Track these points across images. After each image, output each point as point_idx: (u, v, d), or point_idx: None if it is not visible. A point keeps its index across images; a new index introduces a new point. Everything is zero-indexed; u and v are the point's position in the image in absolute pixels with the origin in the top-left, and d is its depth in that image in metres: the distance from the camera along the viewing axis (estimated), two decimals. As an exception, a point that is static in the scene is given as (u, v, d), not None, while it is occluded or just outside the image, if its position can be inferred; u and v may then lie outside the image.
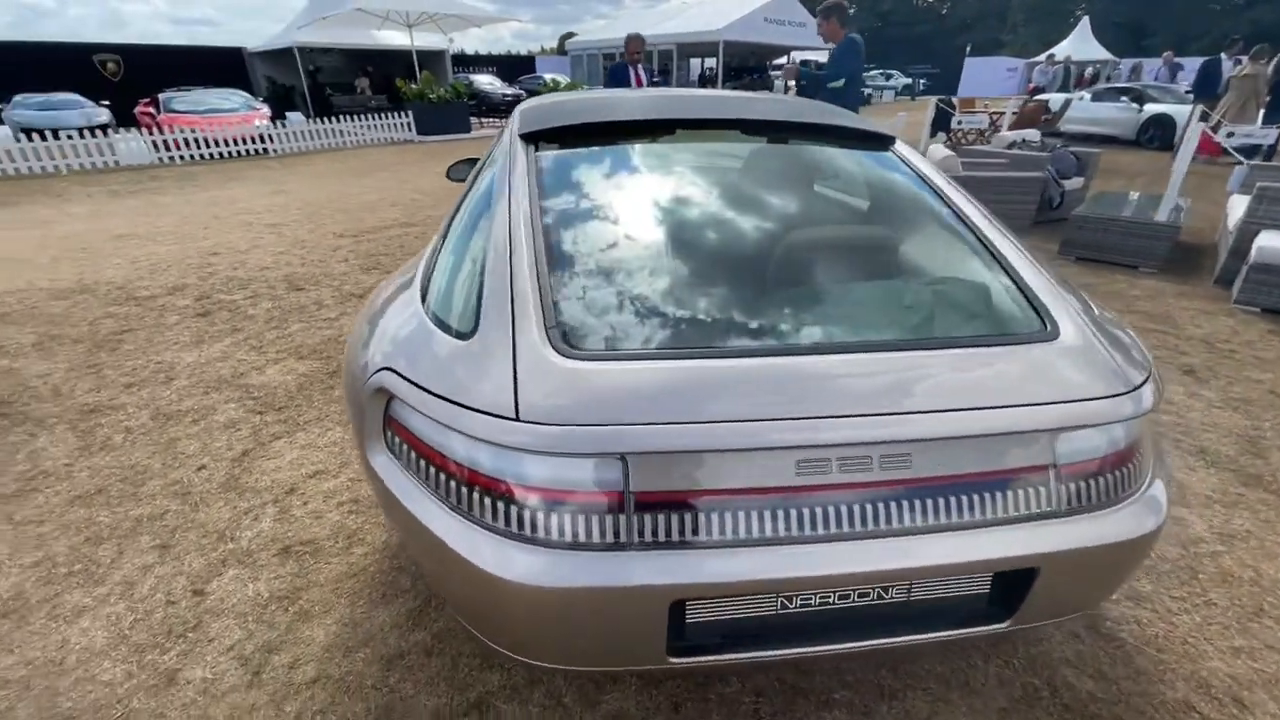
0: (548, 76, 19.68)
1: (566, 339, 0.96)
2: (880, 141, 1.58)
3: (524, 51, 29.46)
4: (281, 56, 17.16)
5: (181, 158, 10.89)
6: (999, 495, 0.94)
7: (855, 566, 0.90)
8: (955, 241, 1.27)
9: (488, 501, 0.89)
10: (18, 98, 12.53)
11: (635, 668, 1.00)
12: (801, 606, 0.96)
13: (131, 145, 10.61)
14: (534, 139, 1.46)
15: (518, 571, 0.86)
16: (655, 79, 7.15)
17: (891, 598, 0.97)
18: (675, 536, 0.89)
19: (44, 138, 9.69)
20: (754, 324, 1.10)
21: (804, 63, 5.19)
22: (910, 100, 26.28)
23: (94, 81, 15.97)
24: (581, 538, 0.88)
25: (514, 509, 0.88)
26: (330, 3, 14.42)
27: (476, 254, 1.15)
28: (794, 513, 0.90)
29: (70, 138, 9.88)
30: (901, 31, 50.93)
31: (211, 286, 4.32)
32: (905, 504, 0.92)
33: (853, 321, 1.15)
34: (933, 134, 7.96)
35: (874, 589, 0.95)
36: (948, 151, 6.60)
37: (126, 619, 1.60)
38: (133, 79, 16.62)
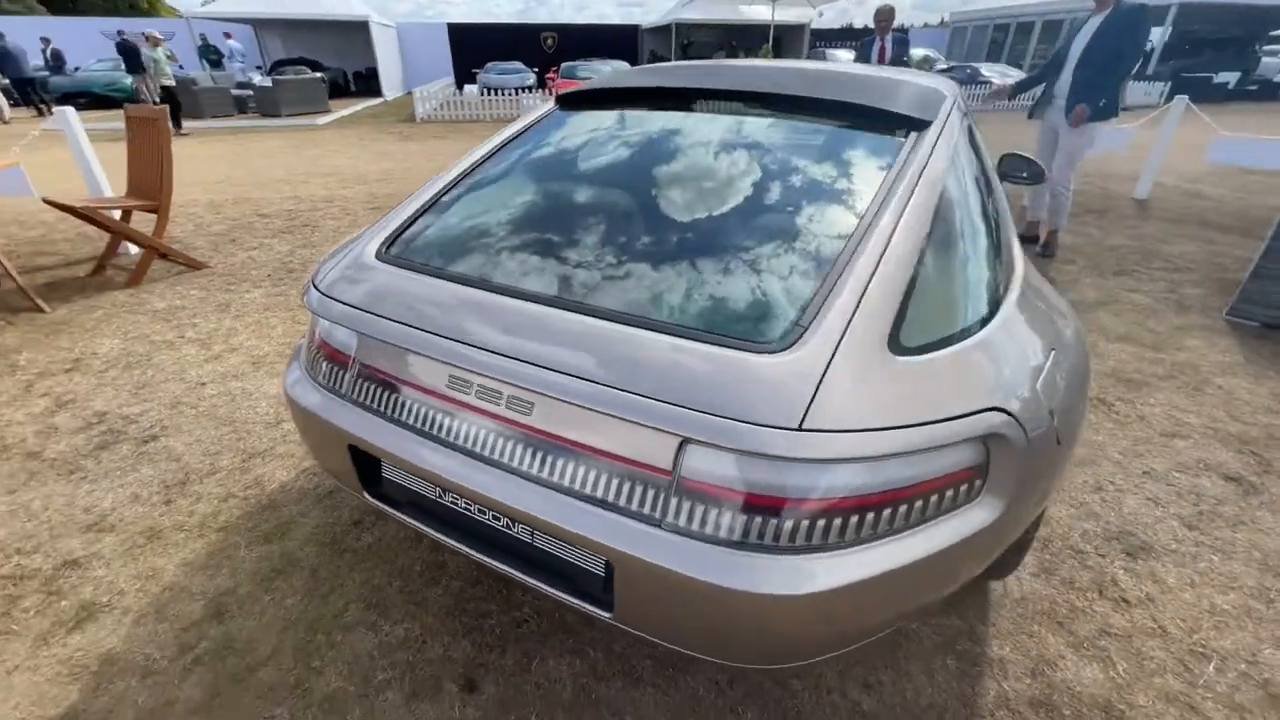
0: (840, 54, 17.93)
1: (388, 250, 1.29)
2: (910, 125, 1.34)
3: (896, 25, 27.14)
4: (663, 32, 19.75)
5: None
6: (604, 476, 0.93)
7: (463, 480, 1.01)
8: (824, 243, 1.09)
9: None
10: (489, 64, 17.51)
11: (349, 489, 1.29)
12: (450, 503, 1.12)
13: (535, 101, 13.93)
14: (567, 102, 1.74)
15: (289, 384, 1.31)
16: (904, 60, 6.44)
17: (515, 533, 1.06)
18: (363, 398, 1.18)
19: (497, 94, 13.50)
20: (535, 271, 1.16)
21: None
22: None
23: (537, 53, 21.19)
24: (322, 379, 1.25)
25: (312, 358, 1.29)
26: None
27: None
28: (436, 415, 1.08)
29: (509, 94, 13.53)
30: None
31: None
32: (519, 446, 0.99)
33: (614, 288, 1.09)
34: None
35: (496, 516, 1.05)
36: None
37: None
38: (561, 51, 21.47)
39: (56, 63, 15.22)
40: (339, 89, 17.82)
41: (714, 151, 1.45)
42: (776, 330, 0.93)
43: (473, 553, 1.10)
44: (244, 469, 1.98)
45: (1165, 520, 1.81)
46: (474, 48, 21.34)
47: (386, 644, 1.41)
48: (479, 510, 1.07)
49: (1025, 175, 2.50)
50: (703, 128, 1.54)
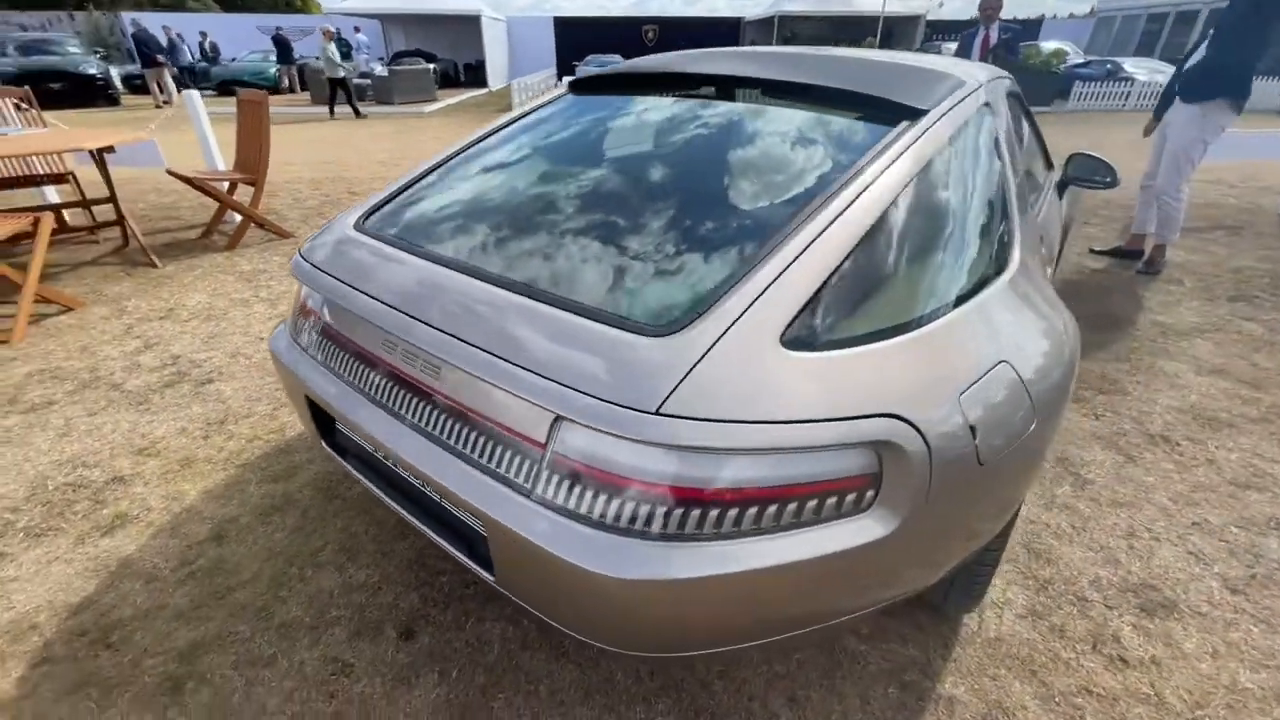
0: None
1: (365, 221, 1.37)
2: (900, 114, 1.25)
3: (1030, 15, 24.83)
4: (765, 24, 19.24)
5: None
6: (489, 444, 0.96)
7: (385, 438, 1.06)
8: (758, 233, 1.05)
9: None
10: (589, 57, 17.93)
11: (311, 434, 1.40)
12: (382, 459, 1.18)
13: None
14: (580, 86, 1.76)
15: (272, 338, 1.44)
16: (1005, 35, 5.79)
17: (427, 491, 1.10)
18: (318, 355, 1.28)
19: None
20: (475, 244, 1.21)
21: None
22: None
23: (638, 46, 21.43)
24: (294, 335, 1.37)
25: (294, 317, 1.41)
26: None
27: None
28: (369, 374, 1.15)
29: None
30: None
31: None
32: (428, 409, 1.04)
33: (541, 265, 1.10)
34: None
35: (409, 475, 1.10)
36: None
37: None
38: (662, 44, 21.62)
39: (213, 53, 17.34)
40: (449, 79, 18.96)
41: (688, 139, 1.43)
42: (670, 316, 0.91)
43: (398, 508, 1.16)
44: (272, 416, 2.19)
45: (1204, 579, 1.57)
46: (577, 40, 21.93)
47: (347, 585, 1.52)
48: (400, 468, 1.13)
49: (1096, 179, 2.23)
50: (688, 115, 1.52)
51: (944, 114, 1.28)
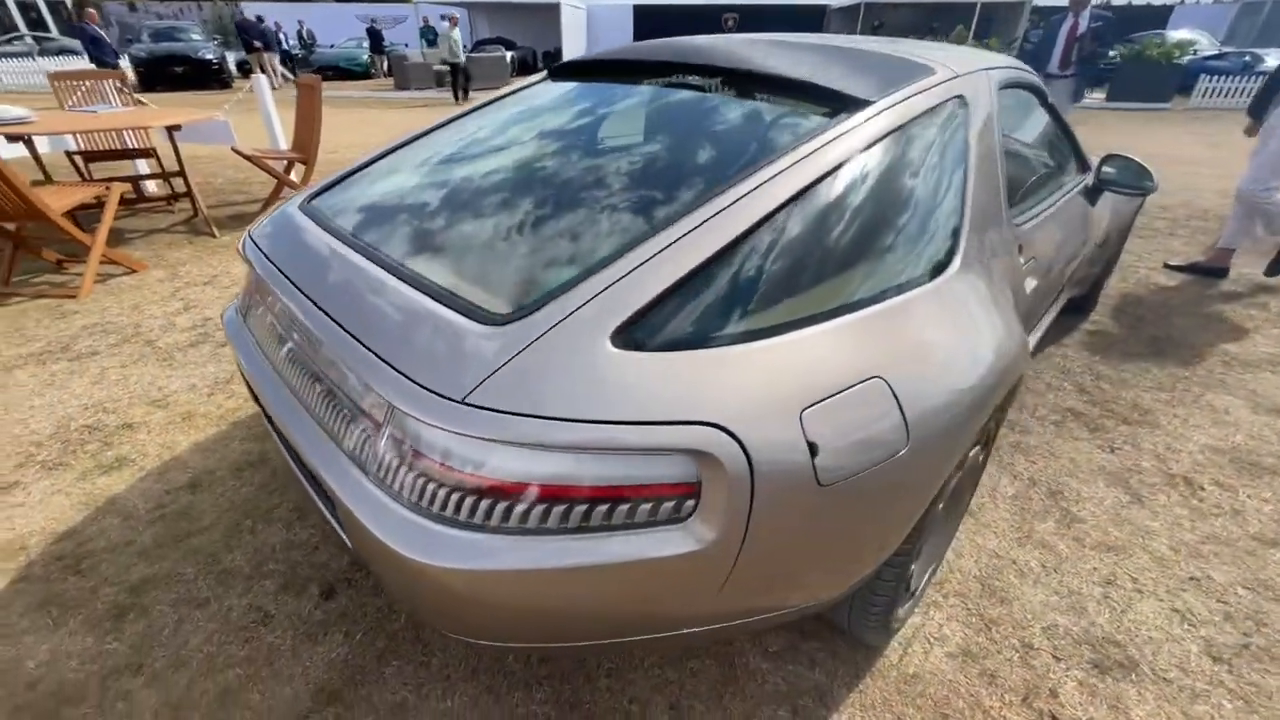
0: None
1: (310, 202, 1.42)
2: (841, 105, 1.19)
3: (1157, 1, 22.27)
4: (851, 12, 18.35)
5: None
6: (344, 420, 0.97)
7: (278, 414, 1.11)
8: (636, 228, 1.03)
9: None
10: (664, 45, 17.81)
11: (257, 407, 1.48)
12: (280, 433, 1.21)
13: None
14: (558, 73, 1.75)
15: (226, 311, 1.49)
16: (1095, 24, 5.22)
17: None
18: (247, 325, 1.36)
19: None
20: (384, 226, 1.24)
21: None
22: None
23: (717, 33, 21.08)
24: (240, 309, 1.44)
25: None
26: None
27: None
28: (277, 351, 1.19)
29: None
30: None
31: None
32: (313, 385, 1.07)
33: (432, 252, 1.12)
34: None
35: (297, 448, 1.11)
36: None
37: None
38: (741, 30, 21.17)
39: (310, 40, 18.60)
40: (527, 67, 19.40)
41: (618, 130, 1.41)
42: (511, 305, 0.90)
43: (301, 478, 1.23)
44: (272, 379, 2.36)
45: (1183, 642, 1.39)
46: (655, 28, 21.81)
47: (289, 542, 1.62)
48: (291, 442, 1.18)
49: (1131, 184, 1.98)
50: (630, 106, 1.50)
51: (890, 106, 1.18)
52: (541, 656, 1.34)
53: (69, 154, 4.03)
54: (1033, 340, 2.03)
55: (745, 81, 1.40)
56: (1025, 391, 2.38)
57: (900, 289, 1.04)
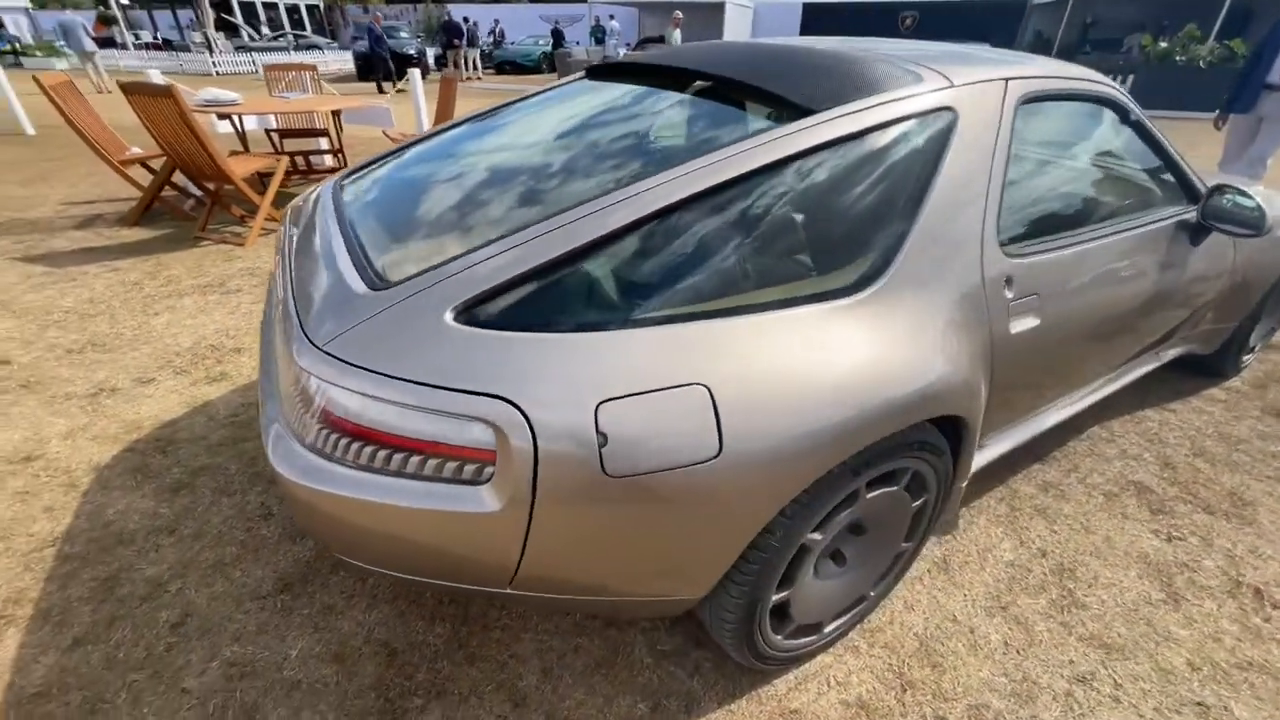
0: None
1: (342, 180, 1.62)
2: (792, 113, 1.16)
3: None
4: (1057, 9, 16.08)
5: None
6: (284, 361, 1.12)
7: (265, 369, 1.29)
8: (532, 220, 1.07)
9: None
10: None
11: None
12: None
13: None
14: (595, 72, 1.84)
15: None
16: None
17: None
18: None
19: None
20: (366, 208, 1.38)
21: None
22: None
23: (893, 34, 19.73)
24: None
25: None
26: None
27: None
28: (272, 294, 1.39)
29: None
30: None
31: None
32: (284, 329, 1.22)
33: (387, 228, 1.23)
34: None
35: None
36: None
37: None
38: (921, 32, 19.59)
39: (501, 38, 20.58)
40: (686, 65, 19.74)
41: (593, 130, 1.50)
42: (397, 275, 1.04)
43: None
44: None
45: (1145, 768, 1.16)
46: (824, 28, 20.95)
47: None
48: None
49: (1237, 223, 1.62)
50: (614, 109, 1.60)
51: (838, 116, 1.14)
52: (450, 597, 1.48)
53: (268, 131, 4.99)
54: (1076, 397, 1.76)
55: (716, 87, 1.41)
56: (1078, 453, 2.04)
57: (781, 304, 1.01)
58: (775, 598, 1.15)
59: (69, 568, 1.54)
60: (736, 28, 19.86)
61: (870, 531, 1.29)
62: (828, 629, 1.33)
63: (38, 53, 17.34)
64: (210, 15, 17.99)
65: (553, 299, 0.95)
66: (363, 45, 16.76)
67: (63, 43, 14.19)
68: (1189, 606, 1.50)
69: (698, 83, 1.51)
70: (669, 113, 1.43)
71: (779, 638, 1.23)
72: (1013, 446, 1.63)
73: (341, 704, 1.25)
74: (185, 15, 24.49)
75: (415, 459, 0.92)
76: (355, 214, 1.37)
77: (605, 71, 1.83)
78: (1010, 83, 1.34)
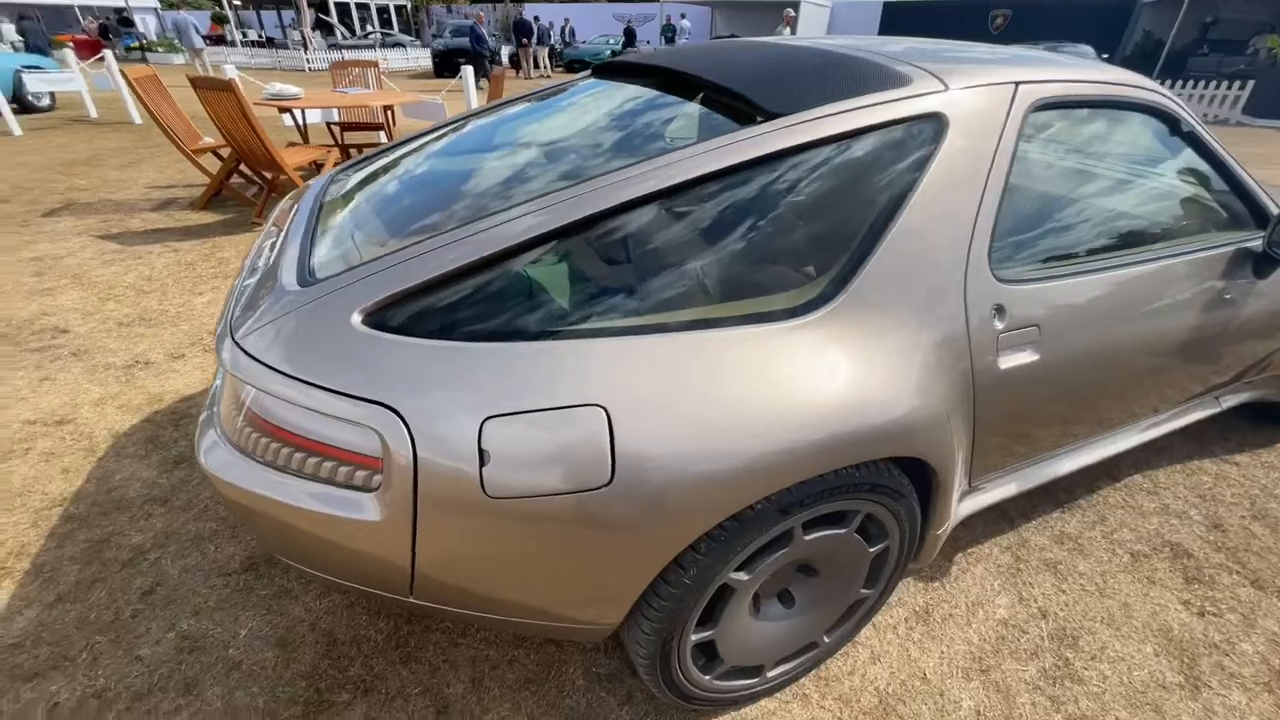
0: None
1: (337, 172, 1.63)
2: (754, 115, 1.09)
3: None
4: (1171, 7, 14.63)
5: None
6: None
7: None
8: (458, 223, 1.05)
9: None
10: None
11: None
12: None
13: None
14: (601, 71, 1.79)
15: None
16: None
17: None
18: None
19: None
20: (342, 198, 1.39)
21: None
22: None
23: (982, 34, 18.64)
24: None
25: None
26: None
27: None
28: None
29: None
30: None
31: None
32: None
33: (345, 233, 1.22)
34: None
35: None
36: None
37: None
38: (1013, 33, 18.39)
39: (570, 37, 20.91)
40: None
41: (561, 132, 1.46)
42: (324, 273, 1.03)
43: None
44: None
45: None
46: (906, 27, 20.03)
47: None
48: None
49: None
50: (591, 112, 1.57)
51: (797, 123, 1.05)
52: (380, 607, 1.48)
53: (328, 124, 5.26)
54: (1102, 442, 1.57)
55: (693, 90, 1.34)
56: (1110, 503, 1.82)
57: (707, 325, 0.93)
58: (698, 636, 1.07)
59: (69, 528, 1.65)
60: (810, 26, 19.29)
61: (822, 574, 1.18)
62: (771, 673, 1.23)
63: (159, 49, 19.09)
64: (307, 15, 19.25)
65: (455, 308, 0.92)
66: (442, 43, 17.49)
67: (178, 39, 15.61)
68: (1211, 696, 1.30)
69: (679, 85, 1.44)
70: (635, 118, 1.38)
71: (707, 677, 1.15)
72: (1018, 491, 1.47)
73: (274, 689, 1.27)
74: (289, 15, 26.37)
75: (314, 460, 0.91)
76: (323, 208, 1.39)
77: (610, 70, 1.79)
78: (1021, 87, 1.19)
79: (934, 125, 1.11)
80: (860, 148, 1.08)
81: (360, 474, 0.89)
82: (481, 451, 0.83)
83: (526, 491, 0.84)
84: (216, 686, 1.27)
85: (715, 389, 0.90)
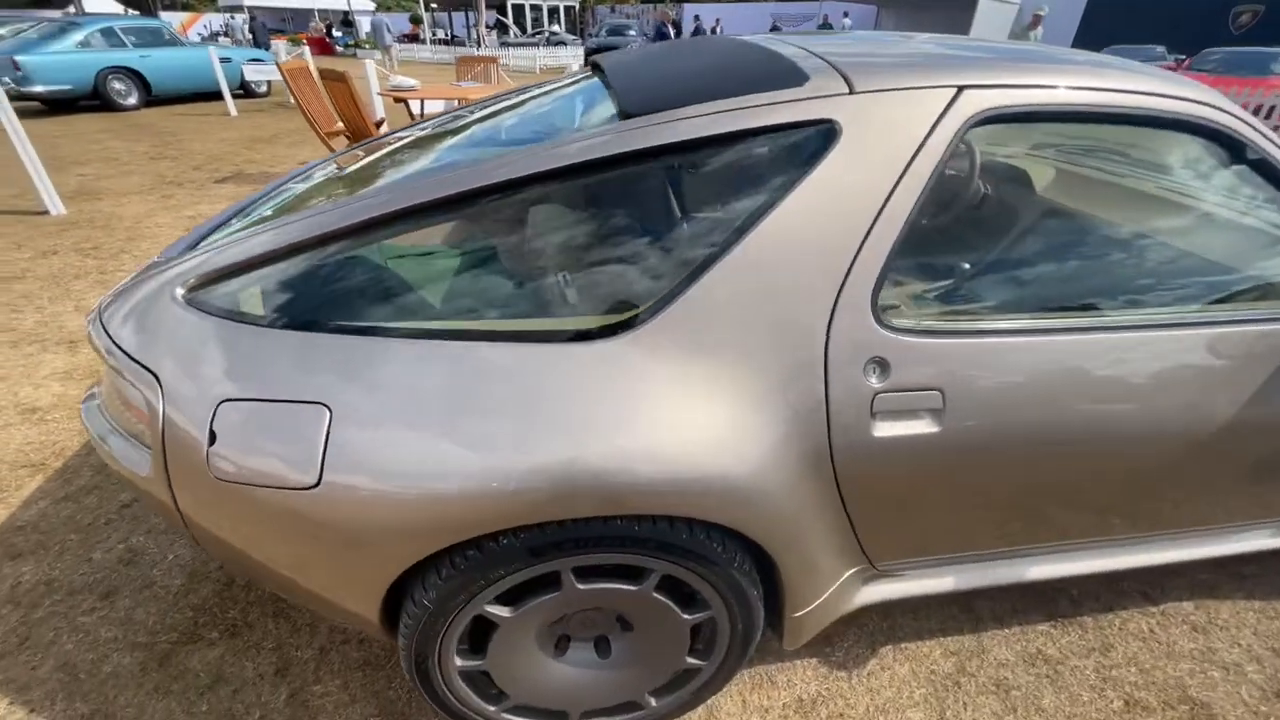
0: None
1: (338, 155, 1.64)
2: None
3: None
4: None
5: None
6: None
7: None
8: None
9: None
10: (1111, 47, 14.02)
11: None
12: None
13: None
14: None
15: None
16: None
17: None
18: None
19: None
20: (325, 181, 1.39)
21: None
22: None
23: (1219, 33, 15.53)
24: None
25: None
26: None
27: None
28: None
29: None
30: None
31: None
32: None
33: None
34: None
35: None
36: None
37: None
38: (1261, 32, 15.06)
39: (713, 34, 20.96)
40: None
41: (509, 128, 1.43)
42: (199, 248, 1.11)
43: None
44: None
45: None
46: (1115, 23, 17.16)
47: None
48: None
49: None
50: (545, 108, 1.50)
51: (642, 127, 0.94)
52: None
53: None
54: (1101, 551, 1.24)
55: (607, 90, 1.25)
56: (1127, 631, 1.41)
57: (471, 337, 0.87)
58: (465, 663, 1.01)
59: (101, 441, 1.99)
60: (988, 24, 17.26)
61: (636, 630, 1.06)
62: (529, 701, 1.12)
63: (366, 45, 22.17)
64: (484, 16, 21.19)
65: (241, 291, 0.95)
66: (595, 41, 18.32)
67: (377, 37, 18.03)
68: None
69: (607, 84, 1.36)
70: (541, 120, 1.32)
71: (493, 709, 1.08)
72: (960, 588, 1.21)
73: (166, 614, 1.42)
74: (474, 16, 29.32)
75: (128, 415, 1.00)
76: (271, 193, 1.51)
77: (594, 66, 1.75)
78: (967, 92, 0.95)
79: (820, 134, 0.93)
80: (714, 157, 0.94)
81: (147, 432, 0.96)
82: (212, 432, 0.85)
83: (242, 479, 0.85)
84: (128, 600, 1.45)
85: (462, 408, 0.83)
